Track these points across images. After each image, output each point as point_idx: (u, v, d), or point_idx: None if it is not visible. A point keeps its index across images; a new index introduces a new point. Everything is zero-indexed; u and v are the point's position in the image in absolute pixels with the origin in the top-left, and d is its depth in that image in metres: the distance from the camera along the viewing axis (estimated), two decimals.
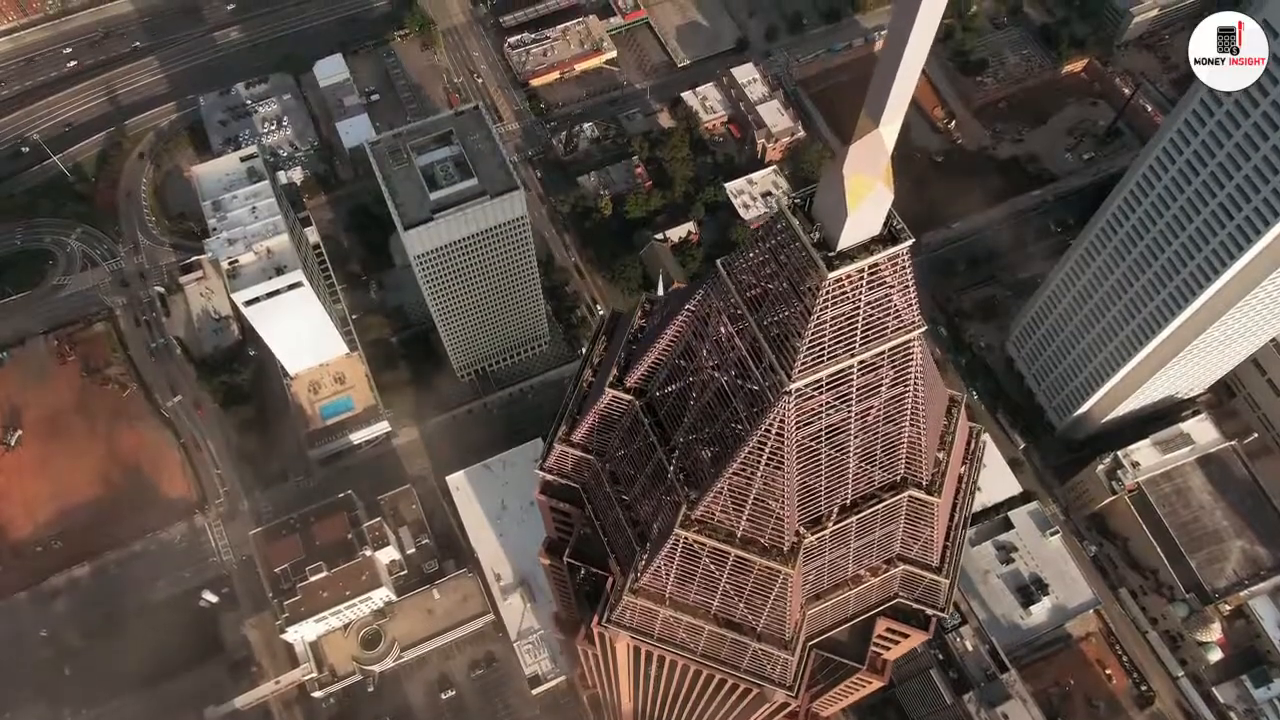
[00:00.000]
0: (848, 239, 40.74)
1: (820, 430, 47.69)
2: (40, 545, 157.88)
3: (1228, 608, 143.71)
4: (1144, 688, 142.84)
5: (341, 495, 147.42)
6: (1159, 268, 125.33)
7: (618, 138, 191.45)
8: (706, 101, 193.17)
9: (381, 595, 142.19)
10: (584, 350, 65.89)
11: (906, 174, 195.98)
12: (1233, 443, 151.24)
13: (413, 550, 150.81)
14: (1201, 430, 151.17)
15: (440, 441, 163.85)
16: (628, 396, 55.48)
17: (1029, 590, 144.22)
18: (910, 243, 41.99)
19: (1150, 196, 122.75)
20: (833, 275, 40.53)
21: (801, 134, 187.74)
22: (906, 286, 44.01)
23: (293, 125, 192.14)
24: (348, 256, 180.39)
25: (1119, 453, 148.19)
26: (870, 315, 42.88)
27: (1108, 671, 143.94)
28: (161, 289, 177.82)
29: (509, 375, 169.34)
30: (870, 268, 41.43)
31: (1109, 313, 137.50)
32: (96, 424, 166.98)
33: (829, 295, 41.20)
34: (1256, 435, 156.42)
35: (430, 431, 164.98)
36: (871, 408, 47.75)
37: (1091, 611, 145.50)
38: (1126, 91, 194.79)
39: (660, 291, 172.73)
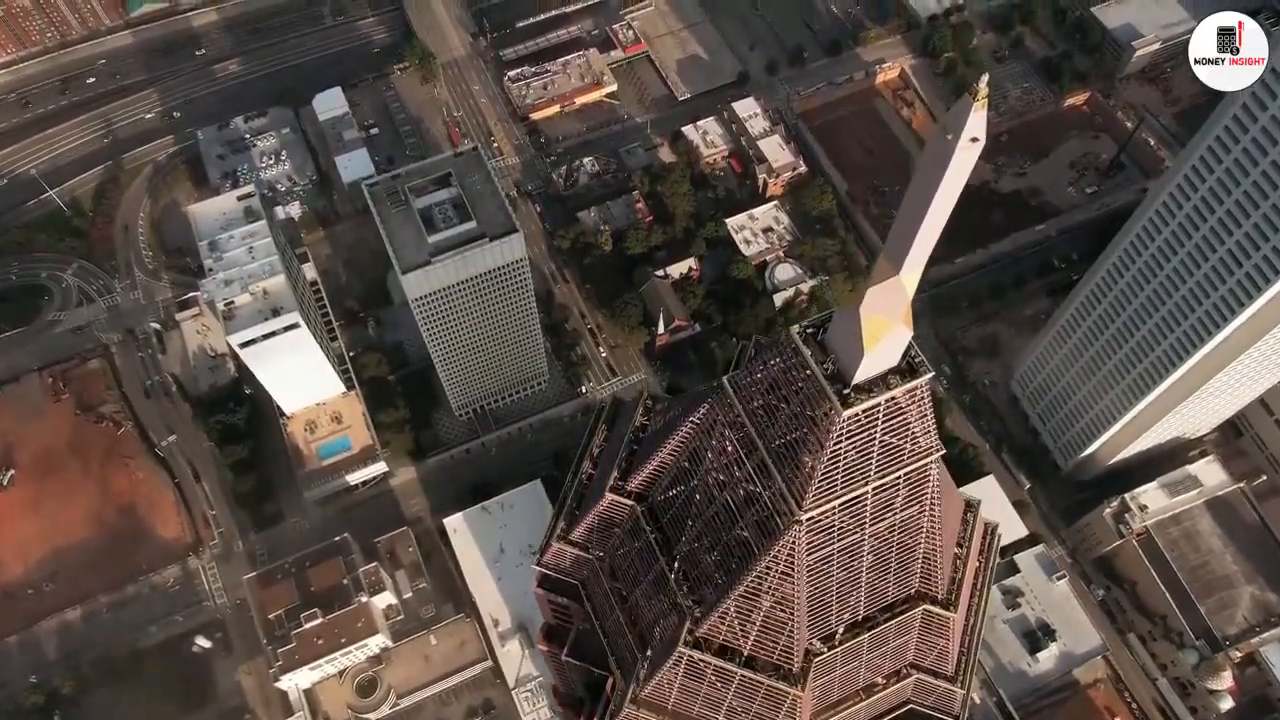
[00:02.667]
0: (864, 373, 39.13)
1: (832, 552, 45.93)
2: (31, 588, 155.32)
3: (1238, 655, 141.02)
4: None
5: (338, 539, 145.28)
6: (1169, 310, 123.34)
7: (618, 172, 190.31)
8: (707, 136, 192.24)
9: (377, 642, 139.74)
10: (584, 440, 63.94)
11: None
12: (1241, 485, 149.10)
13: (409, 594, 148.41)
14: (1209, 473, 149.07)
15: (438, 481, 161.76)
16: (629, 502, 53.69)
17: (1036, 636, 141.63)
18: (930, 376, 40.32)
19: (1160, 238, 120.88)
20: (848, 413, 38.89)
21: (803, 169, 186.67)
22: (925, 414, 42.33)
23: (291, 159, 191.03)
24: (346, 293, 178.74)
25: (1126, 496, 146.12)
26: (887, 443, 41.30)
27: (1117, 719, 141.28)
28: (158, 325, 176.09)
29: (508, 414, 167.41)
30: (888, 401, 39.87)
31: (1116, 354, 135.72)
32: (90, 463, 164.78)
33: (843, 429, 39.58)
34: (1265, 477, 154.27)
35: (428, 471, 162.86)
36: (886, 528, 46.02)
37: (1100, 658, 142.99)
38: (1129, 125, 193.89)
39: (661, 329, 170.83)
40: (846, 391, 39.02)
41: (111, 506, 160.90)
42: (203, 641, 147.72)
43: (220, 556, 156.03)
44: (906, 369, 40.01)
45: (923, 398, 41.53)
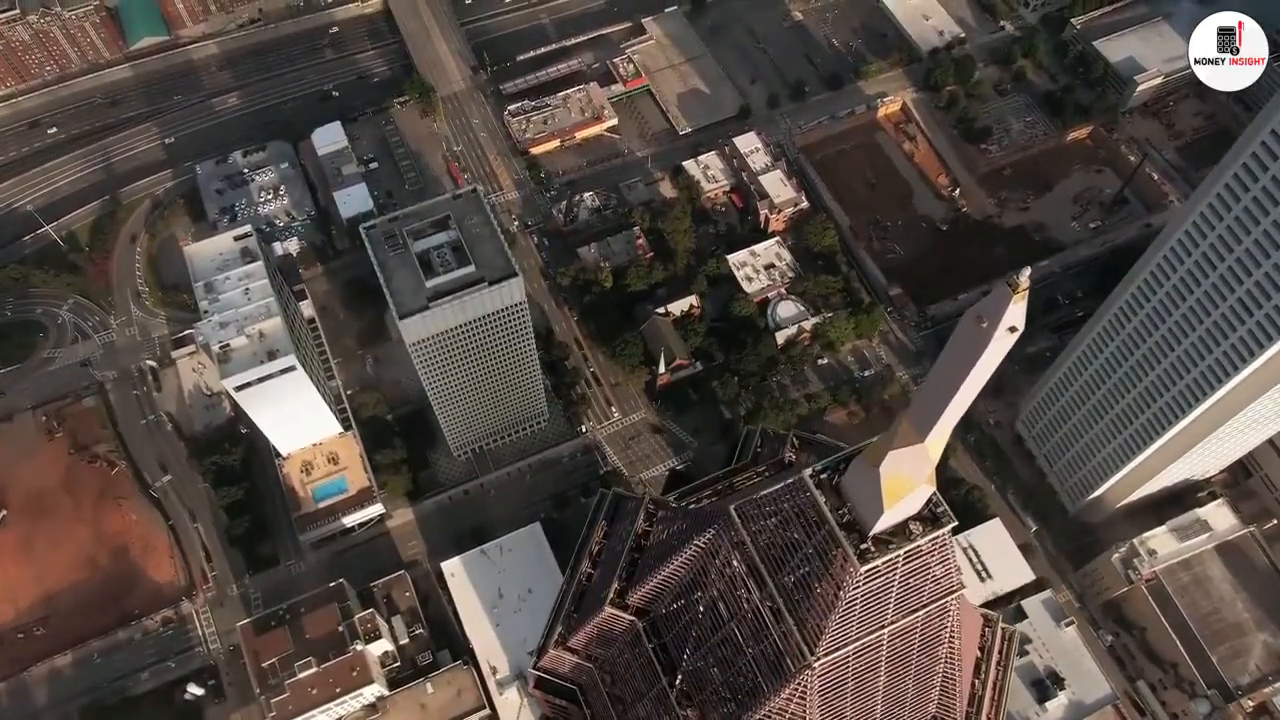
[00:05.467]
0: (883, 525, 37.20)
1: (846, 690, 43.83)
2: (22, 632, 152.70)
3: (1251, 704, 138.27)
4: None
5: (333, 585, 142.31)
6: (1180, 355, 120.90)
7: (618, 207, 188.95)
8: (708, 170, 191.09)
9: (373, 691, 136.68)
10: (582, 535, 61.65)
11: (912, 242, 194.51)
12: (1251, 529, 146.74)
13: (406, 641, 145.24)
14: (1219, 516, 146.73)
15: (435, 523, 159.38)
16: (629, 617, 51.61)
17: (1044, 685, 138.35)
18: (953, 525, 38.37)
19: (1169, 283, 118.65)
20: (865, 568, 36.97)
21: (804, 204, 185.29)
22: (946, 557, 40.31)
23: (290, 194, 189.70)
24: (344, 329, 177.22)
25: (1135, 540, 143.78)
26: (907, 586, 39.30)
27: None
28: (153, 362, 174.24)
29: (507, 454, 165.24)
30: (909, 552, 37.94)
31: (1125, 398, 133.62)
32: (83, 504, 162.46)
33: (860, 581, 37.64)
34: (1277, 521, 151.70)
35: (425, 513, 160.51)
36: (902, 662, 43.95)
37: (1109, 706, 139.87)
38: (1132, 159, 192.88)
39: (662, 369, 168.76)
40: (865, 546, 37.03)
41: (104, 548, 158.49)
42: (195, 689, 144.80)
43: (214, 601, 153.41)
44: (929, 517, 37.96)
45: (945, 544, 39.46)
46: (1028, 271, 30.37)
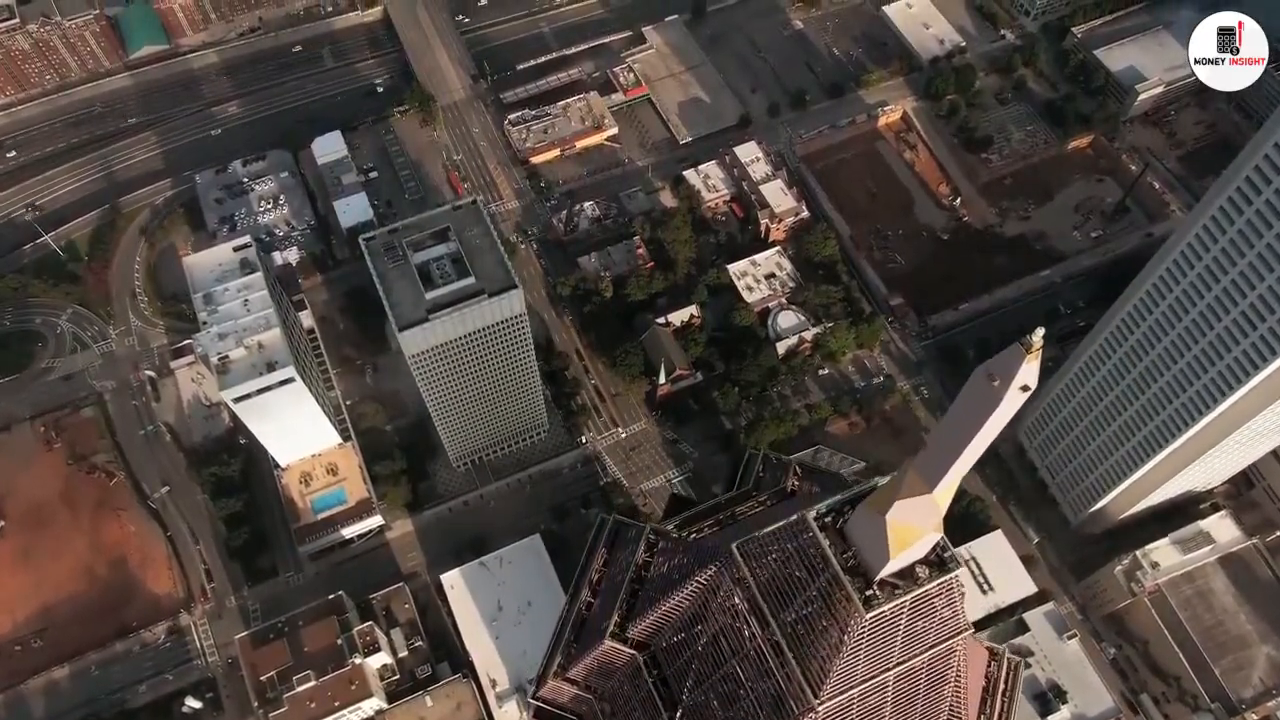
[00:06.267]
0: (889, 570, 36.73)
1: None
2: (19, 644, 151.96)
3: (1255, 718, 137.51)
4: None
5: (332, 597, 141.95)
6: (1183, 367, 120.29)
7: (619, 217, 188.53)
8: (709, 180, 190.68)
9: (372, 704, 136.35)
10: (582, 561, 61.16)
11: (913, 251, 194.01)
12: (1254, 540, 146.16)
13: (405, 653, 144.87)
14: (1222, 528, 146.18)
15: (435, 535, 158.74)
16: (629, 650, 51.05)
17: (1047, 698, 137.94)
18: (960, 570, 37.85)
19: (1172, 295, 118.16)
20: (871, 615, 36.44)
21: (805, 214, 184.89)
22: (953, 599, 39.81)
23: (289, 204, 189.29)
24: (343, 339, 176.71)
25: (1138, 553, 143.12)
26: (913, 629, 38.77)
27: None
28: (152, 372, 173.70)
29: (507, 465, 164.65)
30: (916, 597, 37.44)
31: (1128, 410, 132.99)
32: (81, 514, 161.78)
33: (865, 627, 37.14)
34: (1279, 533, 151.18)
35: (425, 524, 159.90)
36: (908, 701, 43.39)
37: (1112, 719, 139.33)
38: (1133, 168, 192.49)
39: (662, 379, 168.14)
40: (870, 592, 36.53)
41: (102, 560, 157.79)
42: (193, 702, 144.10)
43: (212, 613, 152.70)
44: (936, 561, 37.41)
45: (951, 587, 38.98)
46: (1041, 331, 29.83)
